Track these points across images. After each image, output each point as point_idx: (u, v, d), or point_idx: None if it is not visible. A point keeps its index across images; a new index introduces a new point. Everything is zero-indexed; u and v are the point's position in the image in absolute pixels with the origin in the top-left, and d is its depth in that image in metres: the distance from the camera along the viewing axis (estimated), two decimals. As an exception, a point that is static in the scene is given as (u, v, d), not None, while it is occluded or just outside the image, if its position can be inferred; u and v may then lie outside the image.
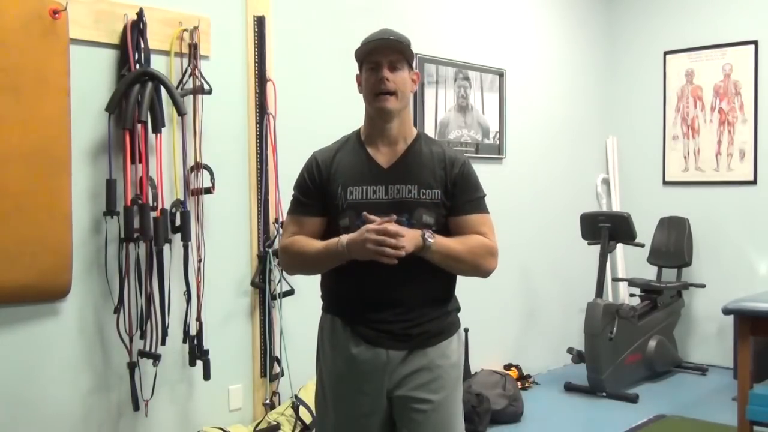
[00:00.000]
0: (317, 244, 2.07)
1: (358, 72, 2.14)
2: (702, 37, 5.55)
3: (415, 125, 2.20)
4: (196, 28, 3.26)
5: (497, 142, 5.01)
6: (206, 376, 3.26)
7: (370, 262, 1.97)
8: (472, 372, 4.48)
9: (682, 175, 5.68)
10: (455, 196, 2.08)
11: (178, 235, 3.18)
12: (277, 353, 3.61)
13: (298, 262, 2.14)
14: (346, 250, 1.98)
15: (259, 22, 3.56)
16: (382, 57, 2.04)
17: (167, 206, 3.14)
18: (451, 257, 2.03)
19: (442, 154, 2.11)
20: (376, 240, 1.91)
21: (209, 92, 3.28)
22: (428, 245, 1.97)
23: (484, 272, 2.11)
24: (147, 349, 3.07)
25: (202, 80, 3.27)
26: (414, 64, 2.15)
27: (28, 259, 2.73)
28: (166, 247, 3.09)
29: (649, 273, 5.52)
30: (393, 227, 1.93)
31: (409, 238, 1.95)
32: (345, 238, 1.99)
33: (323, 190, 2.09)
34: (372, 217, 1.97)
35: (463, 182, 2.09)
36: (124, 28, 3.03)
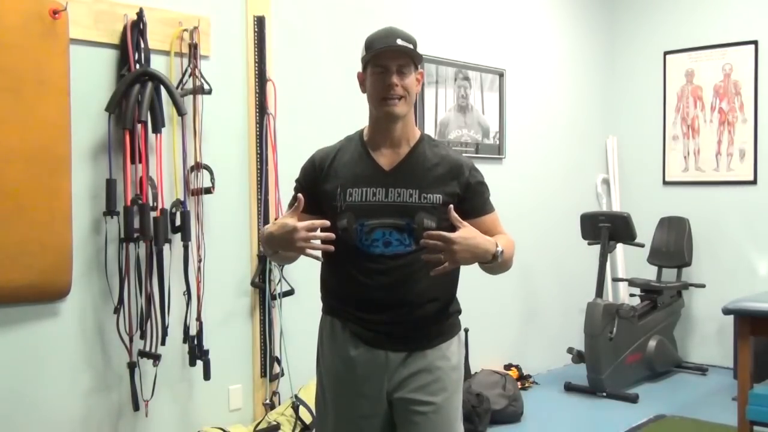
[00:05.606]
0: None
1: (360, 71, 2.09)
2: (702, 37, 5.55)
3: (416, 125, 2.18)
4: (196, 28, 3.26)
5: (497, 142, 5.00)
6: (206, 376, 3.26)
7: (367, 264, 1.99)
8: (472, 372, 4.48)
9: (682, 175, 5.68)
10: (467, 200, 2.07)
11: (178, 235, 3.18)
12: (277, 353, 3.61)
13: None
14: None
15: (259, 22, 3.56)
16: (391, 61, 2.00)
17: (167, 206, 3.14)
18: (505, 262, 2.05)
19: (447, 159, 2.09)
20: (305, 237, 1.88)
21: (209, 92, 3.28)
22: (497, 255, 1.97)
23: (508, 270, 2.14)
24: (147, 349, 3.07)
25: (202, 80, 3.27)
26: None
27: (28, 259, 2.74)
28: (166, 247, 3.09)
29: (649, 273, 5.51)
30: (446, 235, 1.87)
31: (473, 245, 1.91)
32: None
33: (317, 189, 2.07)
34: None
35: (475, 187, 2.09)
36: (124, 28, 3.03)
